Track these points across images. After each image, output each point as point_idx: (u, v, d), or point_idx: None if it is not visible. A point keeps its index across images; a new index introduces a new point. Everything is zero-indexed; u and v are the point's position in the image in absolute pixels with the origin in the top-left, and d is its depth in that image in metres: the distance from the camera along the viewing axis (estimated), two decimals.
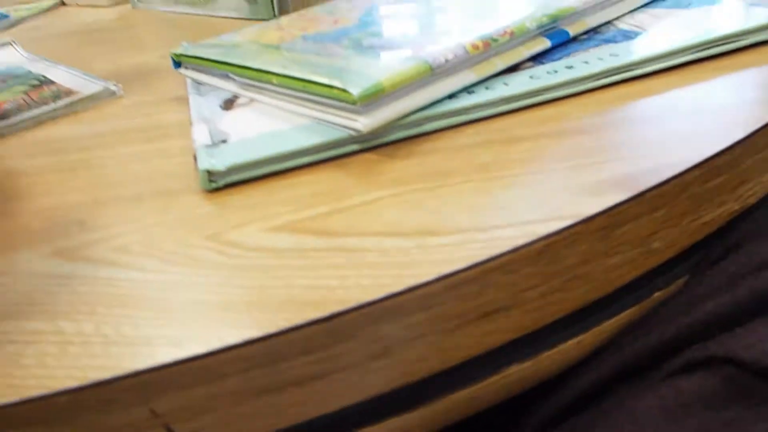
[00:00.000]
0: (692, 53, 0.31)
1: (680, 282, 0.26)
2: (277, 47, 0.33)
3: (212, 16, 0.59)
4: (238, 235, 0.22)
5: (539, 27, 0.32)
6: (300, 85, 0.28)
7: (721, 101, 0.27)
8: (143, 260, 0.22)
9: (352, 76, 0.26)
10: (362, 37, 0.33)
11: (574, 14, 0.34)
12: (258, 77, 0.30)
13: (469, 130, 0.28)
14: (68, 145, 0.33)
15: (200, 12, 0.61)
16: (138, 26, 0.61)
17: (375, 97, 0.26)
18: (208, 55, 0.34)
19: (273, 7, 0.54)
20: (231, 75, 0.32)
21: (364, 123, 0.25)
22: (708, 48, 0.32)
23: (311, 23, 0.38)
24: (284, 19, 0.40)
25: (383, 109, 0.26)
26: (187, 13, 0.62)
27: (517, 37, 0.31)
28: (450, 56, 0.28)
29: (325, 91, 0.26)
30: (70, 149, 0.32)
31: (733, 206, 0.26)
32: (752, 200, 0.27)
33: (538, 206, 0.21)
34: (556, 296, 0.22)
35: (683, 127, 0.26)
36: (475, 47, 0.29)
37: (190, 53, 0.35)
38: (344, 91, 0.25)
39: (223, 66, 0.33)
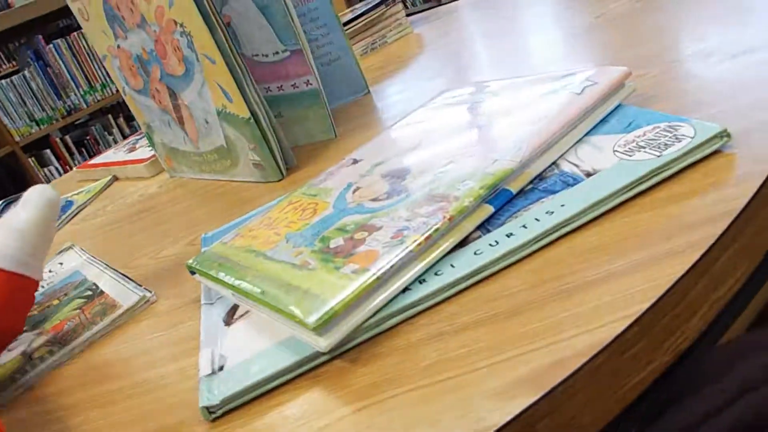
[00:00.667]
0: (623, 194, 0.34)
1: None
2: (264, 255, 0.39)
3: (232, 181, 0.67)
4: None
5: (479, 200, 0.36)
6: (274, 309, 0.33)
7: (638, 255, 0.30)
8: None
9: (310, 302, 0.32)
10: (331, 237, 0.38)
11: (513, 173, 0.38)
12: (247, 297, 0.36)
13: (423, 319, 0.32)
14: (111, 371, 0.40)
15: (222, 178, 0.69)
16: (173, 200, 0.70)
17: (331, 320, 0.31)
18: (210, 271, 0.40)
19: (280, 170, 0.61)
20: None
21: (324, 345, 0.30)
22: (640, 184, 0.34)
23: (295, 215, 0.43)
24: (275, 211, 0.46)
25: (341, 325, 0.31)
26: (211, 180, 0.70)
27: (457, 218, 0.35)
28: (395, 261, 0.33)
29: (290, 317, 0.32)
30: (112, 376, 0.39)
31: (663, 359, 0.29)
32: (685, 344, 0.29)
33: (463, 417, 0.25)
34: None
35: (599, 297, 0.29)
36: (419, 244, 0.34)
37: (198, 267, 0.42)
38: (302, 321, 0.31)
39: (221, 283, 0.39)
